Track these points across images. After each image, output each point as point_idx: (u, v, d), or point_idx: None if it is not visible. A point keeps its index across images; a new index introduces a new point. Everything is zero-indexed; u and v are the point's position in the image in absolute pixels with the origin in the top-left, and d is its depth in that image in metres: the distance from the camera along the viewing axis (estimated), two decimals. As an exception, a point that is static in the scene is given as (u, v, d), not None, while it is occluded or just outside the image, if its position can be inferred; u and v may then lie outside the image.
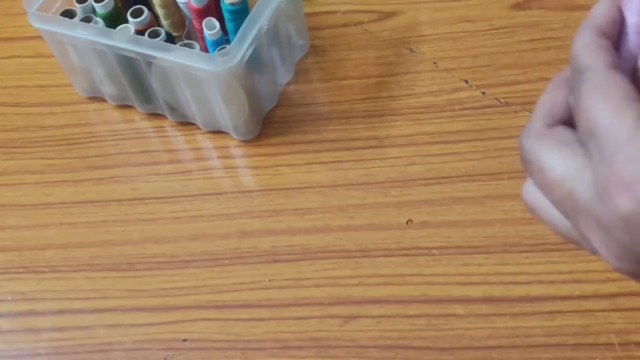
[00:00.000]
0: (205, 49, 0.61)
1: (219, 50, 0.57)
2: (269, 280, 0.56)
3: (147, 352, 0.54)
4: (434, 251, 0.55)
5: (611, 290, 0.52)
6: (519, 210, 0.56)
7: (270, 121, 0.64)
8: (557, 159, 0.28)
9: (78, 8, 0.61)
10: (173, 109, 0.64)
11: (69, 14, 0.61)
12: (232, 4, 0.58)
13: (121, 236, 0.59)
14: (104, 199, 0.62)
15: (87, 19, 0.61)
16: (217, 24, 0.58)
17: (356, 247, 0.56)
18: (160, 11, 0.63)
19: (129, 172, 0.63)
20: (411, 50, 0.67)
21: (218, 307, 0.55)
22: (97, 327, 0.55)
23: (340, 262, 0.56)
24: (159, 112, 0.66)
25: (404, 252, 0.55)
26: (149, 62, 0.59)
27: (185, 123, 0.65)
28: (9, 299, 0.57)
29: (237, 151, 0.63)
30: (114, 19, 0.61)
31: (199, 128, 0.65)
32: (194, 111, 0.63)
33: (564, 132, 0.29)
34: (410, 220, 0.57)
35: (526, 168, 0.30)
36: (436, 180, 0.59)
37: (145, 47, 0.57)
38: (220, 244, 0.58)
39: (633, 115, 0.26)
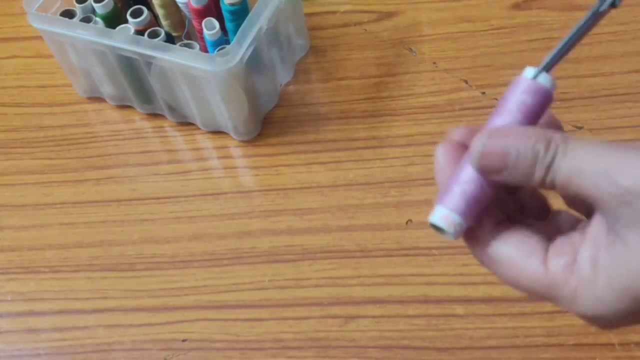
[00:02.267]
0: (205, 49, 0.61)
1: (218, 51, 0.57)
2: (269, 281, 0.56)
3: (146, 352, 0.54)
4: (434, 251, 0.55)
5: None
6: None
7: (270, 121, 0.64)
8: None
9: (78, 8, 0.61)
10: (173, 109, 0.64)
11: (68, 14, 0.61)
12: (232, 4, 0.58)
13: (121, 236, 0.59)
14: (103, 199, 0.62)
15: (86, 19, 0.61)
16: (216, 24, 0.58)
17: (356, 247, 0.56)
18: (160, 11, 0.63)
19: (129, 172, 0.63)
20: (411, 50, 0.67)
21: (217, 307, 0.55)
22: (97, 327, 0.55)
23: (340, 262, 0.56)
24: (159, 112, 0.66)
25: (404, 252, 0.55)
26: (149, 62, 0.59)
27: (185, 123, 0.65)
28: (9, 299, 0.57)
29: (236, 151, 0.63)
30: (113, 19, 0.61)
31: (199, 128, 0.65)
32: (193, 111, 0.63)
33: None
34: (410, 220, 0.57)
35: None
36: (436, 180, 0.58)
37: (145, 47, 0.57)
38: (220, 244, 0.58)
39: None
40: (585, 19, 0.30)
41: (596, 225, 0.29)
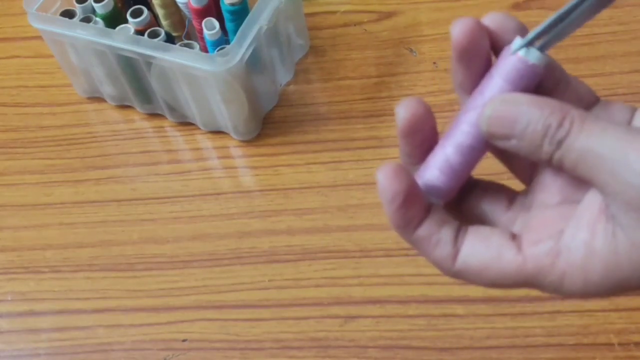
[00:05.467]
0: (205, 49, 0.61)
1: (218, 51, 0.57)
2: (269, 281, 0.56)
3: (146, 353, 0.54)
4: (433, 251, 0.55)
5: (611, 290, 0.52)
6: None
7: (270, 121, 0.64)
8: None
9: (78, 8, 0.61)
10: (173, 109, 0.64)
11: (68, 14, 0.61)
12: (232, 4, 0.58)
13: (121, 236, 0.59)
14: (103, 199, 0.62)
15: (86, 19, 0.61)
16: (216, 24, 0.58)
17: (356, 247, 0.56)
18: (160, 11, 0.63)
19: (129, 172, 0.63)
20: (411, 50, 0.67)
21: (217, 307, 0.55)
22: (97, 327, 0.55)
23: (340, 262, 0.56)
24: (159, 112, 0.66)
25: (404, 252, 0.55)
26: (149, 62, 0.59)
27: (185, 123, 0.65)
28: (9, 299, 0.57)
29: (236, 151, 0.63)
30: (113, 19, 0.61)
31: (199, 128, 0.65)
32: (193, 111, 0.63)
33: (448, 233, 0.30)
34: (410, 220, 0.57)
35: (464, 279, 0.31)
36: (436, 180, 0.58)
37: (145, 47, 0.57)
38: (220, 244, 0.58)
39: None
40: None
41: (593, 209, 0.28)
